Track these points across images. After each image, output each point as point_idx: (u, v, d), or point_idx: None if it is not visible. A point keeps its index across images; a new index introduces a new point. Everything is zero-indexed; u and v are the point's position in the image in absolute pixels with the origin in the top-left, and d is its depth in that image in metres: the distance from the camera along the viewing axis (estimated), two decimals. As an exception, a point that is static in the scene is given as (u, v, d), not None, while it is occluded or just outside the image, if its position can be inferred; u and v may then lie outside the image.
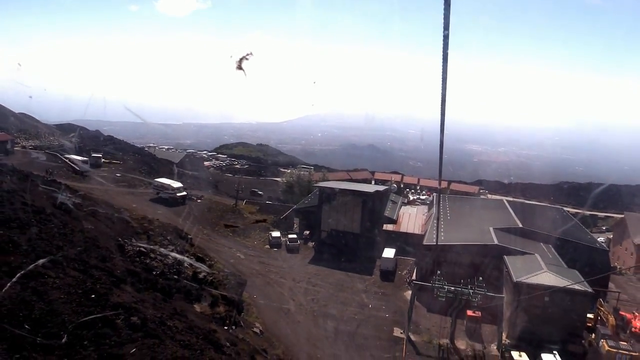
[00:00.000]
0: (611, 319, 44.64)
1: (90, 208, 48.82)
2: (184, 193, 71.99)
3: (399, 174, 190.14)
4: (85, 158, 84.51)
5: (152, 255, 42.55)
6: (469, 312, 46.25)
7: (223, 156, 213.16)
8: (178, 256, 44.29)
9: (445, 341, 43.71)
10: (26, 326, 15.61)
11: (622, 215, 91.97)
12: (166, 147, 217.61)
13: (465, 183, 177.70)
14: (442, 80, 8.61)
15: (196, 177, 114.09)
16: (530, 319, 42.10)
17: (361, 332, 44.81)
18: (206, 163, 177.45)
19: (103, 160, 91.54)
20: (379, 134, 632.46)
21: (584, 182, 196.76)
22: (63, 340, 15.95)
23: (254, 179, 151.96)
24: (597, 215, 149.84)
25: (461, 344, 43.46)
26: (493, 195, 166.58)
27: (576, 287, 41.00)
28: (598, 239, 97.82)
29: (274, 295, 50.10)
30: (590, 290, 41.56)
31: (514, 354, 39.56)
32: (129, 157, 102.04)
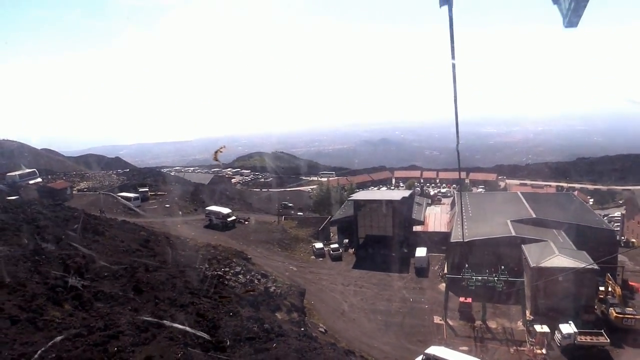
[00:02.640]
0: (617, 290, 52.14)
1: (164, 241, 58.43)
2: (234, 217, 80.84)
3: (417, 169, 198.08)
4: (136, 195, 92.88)
5: (227, 277, 51.77)
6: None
7: (246, 171, 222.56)
8: (248, 275, 53.37)
9: (478, 322, 51.93)
10: (208, 336, 24.60)
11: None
12: (192, 168, 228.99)
13: (483, 171, 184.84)
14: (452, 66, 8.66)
15: (230, 198, 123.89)
16: (548, 297, 50.00)
17: (407, 322, 53.20)
18: (232, 180, 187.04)
19: (150, 193, 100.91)
20: (389, 127, 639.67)
21: (600, 156, 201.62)
22: (228, 343, 24.86)
23: (281, 191, 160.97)
24: (614, 189, 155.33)
25: (492, 324, 51.59)
26: (511, 181, 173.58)
27: (584, 266, 48.86)
28: (615, 214, 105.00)
29: (329, 299, 58.70)
30: (596, 267, 49.04)
31: (537, 327, 47.47)
32: (171, 186, 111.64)
